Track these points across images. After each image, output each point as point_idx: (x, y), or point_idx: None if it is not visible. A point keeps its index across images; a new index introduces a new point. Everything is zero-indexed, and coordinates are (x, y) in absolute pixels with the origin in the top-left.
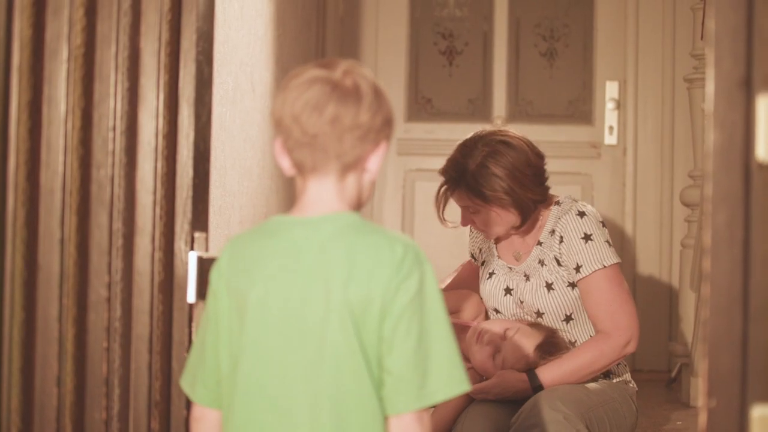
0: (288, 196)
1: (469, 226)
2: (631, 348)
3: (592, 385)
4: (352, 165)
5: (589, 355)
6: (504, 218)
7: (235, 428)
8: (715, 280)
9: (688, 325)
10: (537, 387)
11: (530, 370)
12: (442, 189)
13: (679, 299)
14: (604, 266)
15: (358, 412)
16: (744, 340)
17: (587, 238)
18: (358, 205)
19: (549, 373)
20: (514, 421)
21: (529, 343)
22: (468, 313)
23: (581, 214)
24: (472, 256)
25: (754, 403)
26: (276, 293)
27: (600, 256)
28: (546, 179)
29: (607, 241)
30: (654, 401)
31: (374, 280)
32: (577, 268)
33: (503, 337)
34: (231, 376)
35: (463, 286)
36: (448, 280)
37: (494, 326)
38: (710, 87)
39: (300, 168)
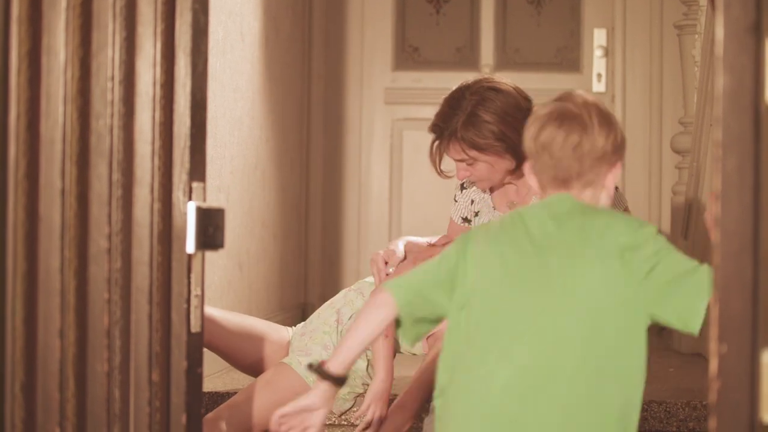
0: (277, 145)
1: (457, 191)
2: None
3: None
4: (591, 182)
5: None
6: (499, 165)
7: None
8: (725, 226)
9: None
10: None
11: None
12: (435, 144)
13: None
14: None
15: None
16: (754, 285)
17: None
18: None
19: None
20: None
21: None
22: None
23: None
24: (465, 219)
25: (765, 347)
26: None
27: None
28: None
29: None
30: None
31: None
32: None
33: None
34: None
35: None
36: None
37: None
38: (719, 31)
39: (546, 185)
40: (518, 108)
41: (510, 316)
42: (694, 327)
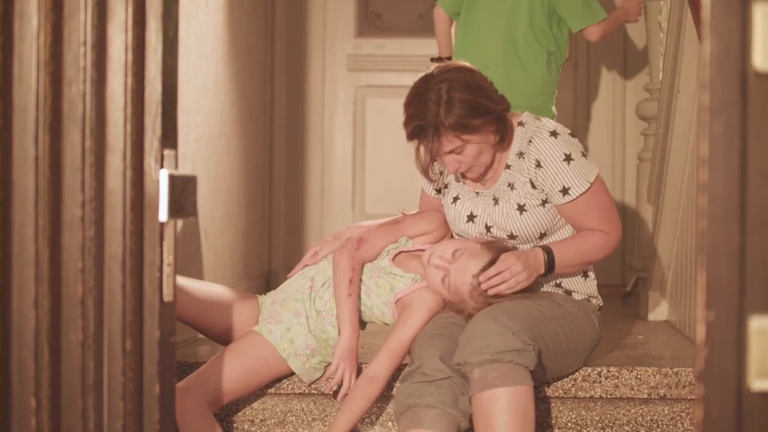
0: (241, 113)
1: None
2: (618, 245)
3: (548, 301)
4: None
5: (591, 244)
6: (487, 143)
7: None
8: (712, 191)
9: (645, 240)
10: (549, 253)
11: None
12: (423, 146)
13: (637, 213)
14: (590, 183)
15: None
16: (742, 250)
17: (568, 159)
18: None
19: (557, 247)
20: (462, 339)
21: (474, 264)
22: (439, 232)
23: (553, 134)
24: (437, 191)
25: (753, 314)
26: None
27: (584, 174)
28: (503, 101)
29: (583, 154)
30: (611, 316)
31: None
32: (565, 191)
33: (452, 259)
34: None
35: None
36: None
37: (445, 248)
38: None
39: None
40: (480, 76)
41: None
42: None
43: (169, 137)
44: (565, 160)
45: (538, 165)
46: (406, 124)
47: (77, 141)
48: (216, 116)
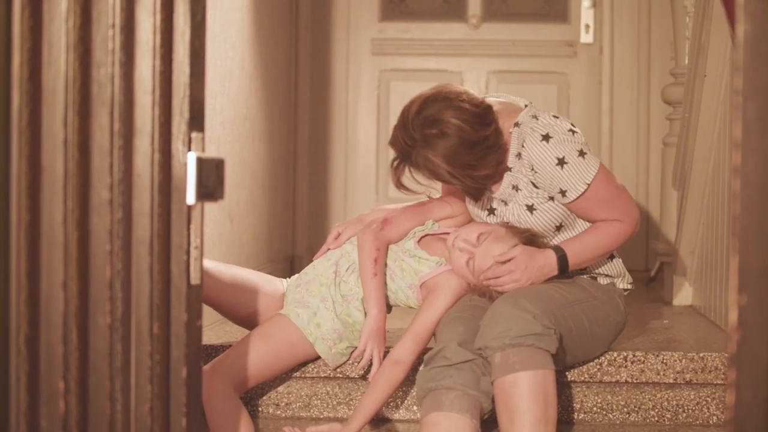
0: (265, 97)
1: None
2: (637, 228)
3: (571, 286)
4: None
5: (606, 234)
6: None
7: None
8: (746, 174)
9: (670, 225)
10: (562, 257)
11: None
12: (396, 163)
13: (662, 198)
14: (587, 184)
15: None
16: None
17: (561, 162)
18: None
19: (570, 245)
20: (483, 323)
21: (499, 247)
22: (465, 216)
23: (546, 137)
24: None
25: None
26: None
27: (580, 176)
28: (498, 143)
29: (580, 152)
30: (636, 300)
31: None
32: (563, 193)
33: (476, 242)
34: None
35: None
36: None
37: (470, 231)
38: None
39: None
40: (468, 146)
41: None
42: None
43: (197, 120)
44: (558, 164)
45: (533, 169)
46: (392, 138)
47: (106, 124)
48: (241, 100)
